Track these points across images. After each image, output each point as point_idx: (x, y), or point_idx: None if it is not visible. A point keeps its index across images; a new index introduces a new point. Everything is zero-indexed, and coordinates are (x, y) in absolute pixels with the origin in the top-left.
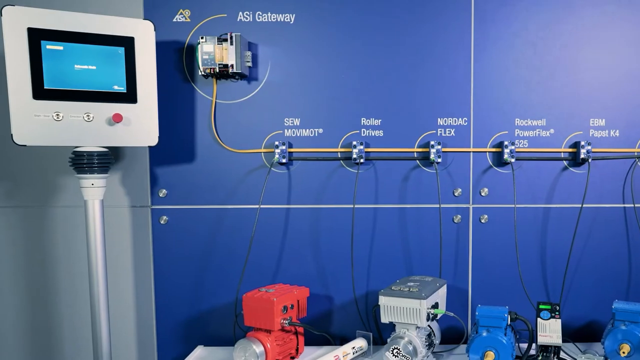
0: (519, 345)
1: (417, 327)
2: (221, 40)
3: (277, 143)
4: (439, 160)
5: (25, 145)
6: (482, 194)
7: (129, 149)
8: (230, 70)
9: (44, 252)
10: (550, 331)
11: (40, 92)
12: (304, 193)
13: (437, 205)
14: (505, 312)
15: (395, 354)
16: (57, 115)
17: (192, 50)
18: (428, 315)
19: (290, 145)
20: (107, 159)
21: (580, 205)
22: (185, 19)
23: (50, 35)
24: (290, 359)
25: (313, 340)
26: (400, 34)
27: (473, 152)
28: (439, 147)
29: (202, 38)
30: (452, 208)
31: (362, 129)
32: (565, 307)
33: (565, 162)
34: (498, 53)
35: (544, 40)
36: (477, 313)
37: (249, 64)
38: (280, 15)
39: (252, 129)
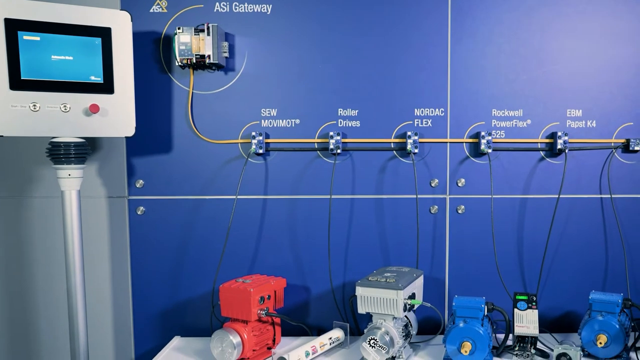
0: (495, 335)
1: (394, 318)
2: (198, 30)
3: (254, 134)
4: (416, 150)
5: (2, 136)
6: (459, 184)
7: (106, 139)
8: (207, 60)
9: (21, 243)
10: (527, 322)
11: (17, 82)
12: (281, 184)
13: (414, 196)
14: (482, 303)
15: (372, 345)
16: (34, 105)
17: (169, 40)
18: (405, 305)
19: (267, 136)
20: (84, 150)
21: (557, 196)
22: (162, 9)
23: (27, 25)
24: (267, 349)
25: (290, 330)
26: (378, 25)
27: (450, 142)
28: (416, 137)
29: (179, 29)
30: (429, 198)
31: (339, 120)
32: (542, 297)
33: (542, 153)
34: (475, 44)
35: (521, 32)
36: (454, 304)
37: (226, 54)
38: (257, 5)
39: (229, 120)
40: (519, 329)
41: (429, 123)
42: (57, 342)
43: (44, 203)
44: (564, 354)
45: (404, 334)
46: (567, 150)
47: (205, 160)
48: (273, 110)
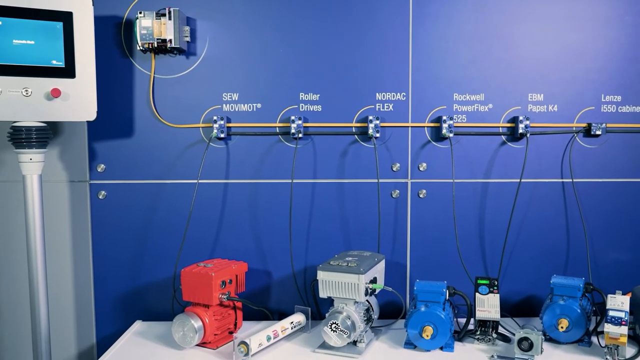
0: (457, 320)
1: (356, 302)
2: (159, 15)
3: (215, 118)
4: (378, 135)
5: None
6: (421, 168)
7: (68, 123)
8: (168, 45)
9: None
10: (488, 306)
11: None
12: (242, 168)
13: (376, 180)
14: (443, 287)
15: (334, 329)
16: None
17: (130, 25)
18: (366, 290)
19: (229, 120)
20: (46, 134)
21: (518, 180)
22: None
23: None
24: (228, 333)
25: (251, 315)
26: (339, 9)
27: (411, 127)
28: (378, 122)
29: (140, 13)
30: (391, 183)
31: (301, 104)
32: (503, 282)
33: (503, 137)
34: (436, 28)
35: (482, 16)
36: (415, 288)
37: (187, 39)
38: None
39: (190, 104)
40: (480, 314)
41: (391, 107)
42: (18, 327)
43: (5, 187)
44: (526, 338)
45: (366, 318)
46: (528, 135)
47: (166, 145)
48: (234, 94)
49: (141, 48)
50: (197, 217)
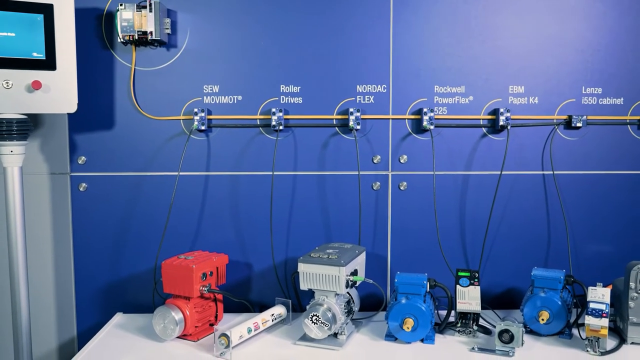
0: (438, 312)
1: (336, 294)
2: (140, 7)
3: (196, 110)
4: (358, 127)
5: None
6: (401, 161)
7: (48, 116)
8: (149, 37)
9: None
10: (469, 298)
11: None
12: (223, 160)
13: (356, 172)
14: (424, 280)
15: (314, 321)
16: None
17: (111, 17)
18: (347, 282)
19: (210, 112)
20: (26, 126)
21: (499, 173)
22: None
23: None
24: (209, 326)
25: (232, 307)
26: (320, 1)
27: (392, 119)
28: (358, 114)
29: (121, 5)
30: (371, 175)
31: (281, 96)
32: (484, 274)
33: (484, 129)
34: (417, 20)
35: (463, 8)
36: (396, 280)
37: (168, 31)
38: None
39: (171, 96)
40: (461, 306)
41: (371, 99)
42: (0, 319)
43: None
44: (506, 331)
45: (346, 310)
46: (509, 127)
47: (147, 137)
48: (215, 86)
49: (122, 40)
50: (178, 209)
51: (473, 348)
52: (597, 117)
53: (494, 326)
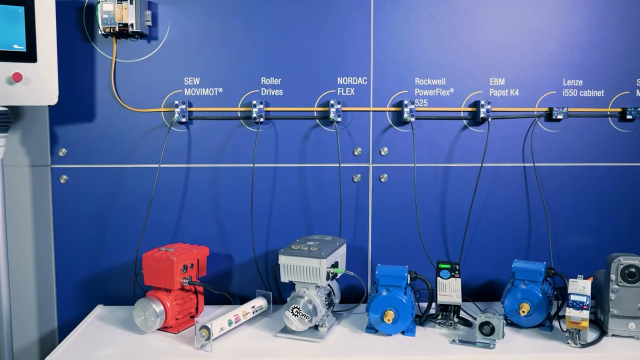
0: (418, 304)
1: (317, 287)
2: None
3: (177, 102)
4: (339, 119)
5: None
6: (382, 153)
7: (29, 108)
8: (130, 29)
9: None
10: (450, 290)
11: None
12: (203, 152)
13: (337, 165)
14: (405, 272)
15: (295, 313)
16: None
17: (92, 9)
18: (328, 274)
19: (190, 105)
20: (7, 118)
21: (480, 165)
22: None
23: None
24: (190, 318)
25: (213, 299)
26: None
27: (373, 111)
28: (339, 106)
29: None
30: (352, 167)
31: (262, 88)
32: (465, 266)
33: (465, 122)
34: (398, 12)
35: (444, 0)
36: (376, 272)
37: (149, 23)
38: None
39: (152, 88)
40: (441, 298)
41: (352, 92)
42: None
43: None
44: (487, 323)
45: (327, 302)
46: (490, 119)
47: (128, 129)
48: (196, 79)
49: (103, 32)
50: (159, 201)
51: (454, 340)
52: (577, 110)
53: (475, 318)
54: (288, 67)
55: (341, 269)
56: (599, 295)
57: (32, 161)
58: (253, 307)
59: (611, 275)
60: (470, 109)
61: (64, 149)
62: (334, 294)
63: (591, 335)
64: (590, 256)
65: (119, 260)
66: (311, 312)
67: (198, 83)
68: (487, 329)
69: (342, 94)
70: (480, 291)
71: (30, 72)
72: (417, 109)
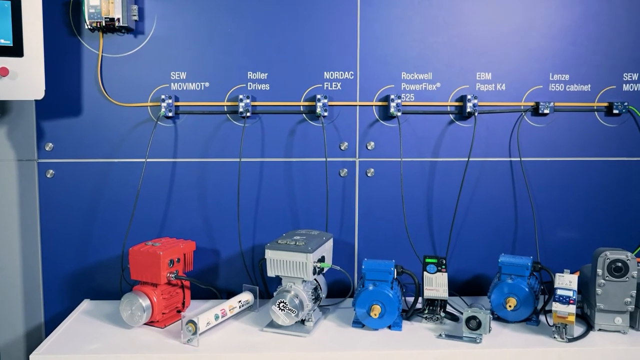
0: (405, 299)
1: (304, 281)
2: None
3: (163, 97)
4: (325, 114)
5: None
6: (369, 147)
7: (16, 102)
8: (116, 24)
9: None
10: (436, 285)
11: None
12: (190, 147)
13: (324, 159)
14: (391, 266)
15: (282, 308)
16: None
17: (78, 3)
18: (314, 268)
19: (177, 99)
20: None
21: (466, 159)
22: None
23: None
24: (176, 312)
25: (200, 294)
26: None
27: (359, 105)
28: (325, 100)
29: None
30: (339, 162)
31: (249, 83)
32: (451, 260)
33: (451, 116)
34: (384, 7)
35: None
36: (363, 267)
37: (135, 17)
38: None
39: (138, 83)
40: (428, 292)
41: (339, 86)
42: None
43: None
44: (474, 317)
45: (314, 297)
46: (476, 114)
47: (114, 124)
48: (182, 73)
49: (89, 27)
50: (145, 196)
51: (440, 335)
52: (564, 104)
53: (462, 313)
54: (274, 61)
55: (328, 264)
56: (586, 289)
57: (19, 155)
58: (240, 301)
59: (598, 270)
60: (456, 104)
61: (51, 144)
62: (320, 288)
63: (578, 329)
64: (577, 250)
65: (106, 254)
66: (298, 307)
67: (184, 78)
68: (474, 324)
69: (329, 88)
70: (467, 286)
71: (17, 67)
72: (403, 103)
